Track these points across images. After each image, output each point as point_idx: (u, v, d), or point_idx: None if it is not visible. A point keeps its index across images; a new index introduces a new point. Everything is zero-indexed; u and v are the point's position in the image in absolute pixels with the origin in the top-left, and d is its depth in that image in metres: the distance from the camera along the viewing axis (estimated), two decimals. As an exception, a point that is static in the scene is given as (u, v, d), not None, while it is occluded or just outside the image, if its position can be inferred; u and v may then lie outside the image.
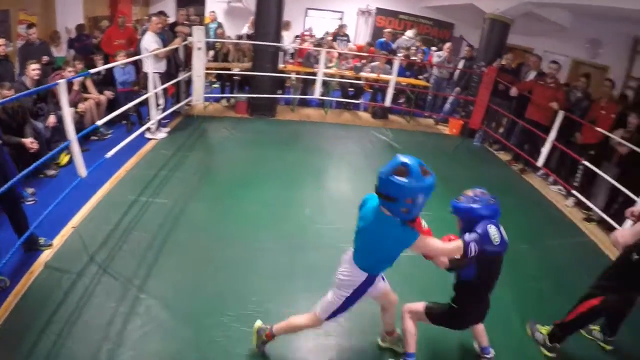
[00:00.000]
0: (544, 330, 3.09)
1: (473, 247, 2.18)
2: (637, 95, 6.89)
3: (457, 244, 2.18)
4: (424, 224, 2.20)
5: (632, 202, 4.64)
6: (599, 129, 5.50)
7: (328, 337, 2.84)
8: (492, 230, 2.26)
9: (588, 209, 5.62)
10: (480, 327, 2.77)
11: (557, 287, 4.03)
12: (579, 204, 5.83)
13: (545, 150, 6.30)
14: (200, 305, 2.93)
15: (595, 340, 3.27)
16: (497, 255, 2.33)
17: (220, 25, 9.24)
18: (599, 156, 5.65)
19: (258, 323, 2.59)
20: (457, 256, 2.20)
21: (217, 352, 2.60)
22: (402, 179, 1.92)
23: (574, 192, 5.78)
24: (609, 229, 5.13)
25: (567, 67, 8.67)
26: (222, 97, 8.00)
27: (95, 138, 5.41)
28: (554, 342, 3.01)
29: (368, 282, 2.32)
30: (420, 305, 2.62)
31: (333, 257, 3.55)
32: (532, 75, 7.20)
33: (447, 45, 9.05)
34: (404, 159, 1.97)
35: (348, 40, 10.56)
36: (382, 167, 2.00)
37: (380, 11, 12.20)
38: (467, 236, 2.22)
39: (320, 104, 8.61)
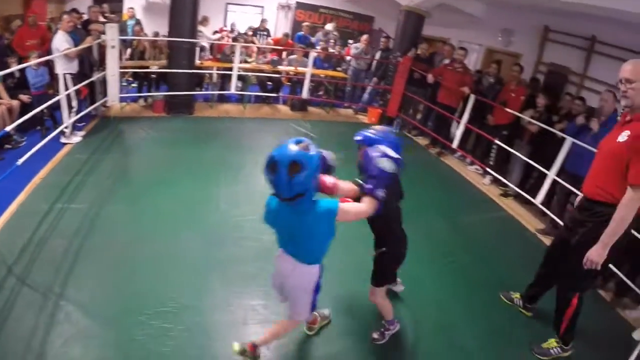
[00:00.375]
0: (552, 344, 3.21)
1: (380, 193, 2.21)
2: (547, 78, 7.49)
3: (368, 202, 2.22)
4: (327, 179, 2.23)
5: (544, 176, 5.18)
6: (509, 110, 6.01)
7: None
8: (383, 148, 2.28)
9: (504, 185, 6.16)
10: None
11: (478, 259, 4.40)
12: (495, 181, 6.39)
13: (458, 133, 6.80)
14: (119, 306, 3.00)
15: (517, 307, 3.64)
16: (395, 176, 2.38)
17: (138, 22, 9.05)
18: (512, 136, 6.17)
19: (235, 346, 2.50)
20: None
21: (137, 350, 2.69)
22: (302, 173, 1.95)
23: (490, 170, 6.32)
24: (525, 202, 5.72)
25: (481, 56, 9.31)
26: (140, 97, 7.82)
27: (9, 146, 5.22)
28: (569, 343, 3.17)
29: (322, 270, 2.42)
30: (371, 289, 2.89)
31: (250, 248, 3.82)
32: (446, 63, 7.64)
33: (364, 37, 9.39)
34: (286, 154, 1.99)
35: (268, 35, 10.69)
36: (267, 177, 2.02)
37: (300, 5, 12.33)
38: (370, 185, 2.22)
39: (240, 99, 8.65)
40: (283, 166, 1.95)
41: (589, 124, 4.67)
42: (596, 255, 2.70)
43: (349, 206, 2.24)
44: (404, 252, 2.88)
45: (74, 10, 6.74)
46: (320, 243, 2.29)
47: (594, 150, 4.29)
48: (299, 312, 2.53)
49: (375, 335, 3.07)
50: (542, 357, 3.19)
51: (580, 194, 3.13)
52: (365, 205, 2.23)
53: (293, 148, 2.01)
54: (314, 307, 2.53)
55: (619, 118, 3.96)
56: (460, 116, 6.96)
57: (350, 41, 10.91)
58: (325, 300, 2.95)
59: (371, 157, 2.24)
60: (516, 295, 3.69)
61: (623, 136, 2.67)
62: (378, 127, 2.60)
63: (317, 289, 2.46)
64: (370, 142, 2.44)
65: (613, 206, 2.66)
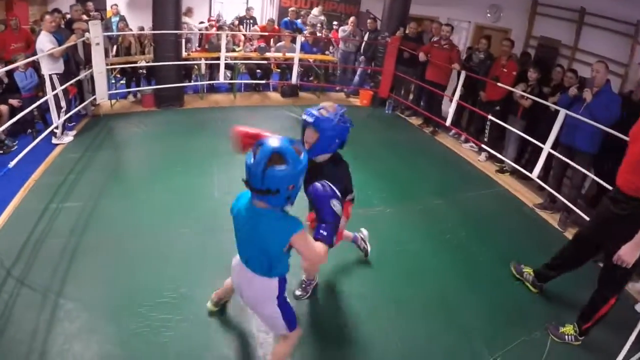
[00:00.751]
0: (569, 330, 3.19)
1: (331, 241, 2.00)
2: (538, 52, 7.46)
3: (324, 249, 1.97)
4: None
5: (540, 150, 5.18)
6: (501, 85, 5.99)
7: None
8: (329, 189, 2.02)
9: (500, 161, 6.18)
10: None
11: (476, 235, 4.42)
12: (491, 157, 6.40)
13: (451, 110, 6.80)
14: (118, 301, 3.02)
15: (524, 282, 3.64)
16: None
17: (122, 19, 9.01)
18: (505, 111, 6.15)
19: None
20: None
21: (138, 342, 2.72)
22: (281, 168, 1.78)
23: (485, 147, 6.34)
24: (522, 177, 5.76)
25: (471, 33, 9.28)
26: (129, 93, 7.81)
27: (1, 152, 5.20)
28: (584, 335, 3.14)
29: (283, 282, 2.19)
30: None
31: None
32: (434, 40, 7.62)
33: (352, 19, 9.37)
34: (273, 144, 1.82)
35: (255, 23, 10.61)
36: (299, 137, 2.03)
37: (285, -9, 12.15)
38: (324, 232, 1.97)
39: (230, 89, 8.63)
40: (265, 153, 1.80)
41: (582, 95, 4.61)
42: (629, 254, 2.59)
43: (312, 243, 1.97)
44: None
45: (56, 10, 6.68)
46: (274, 259, 2.05)
47: (589, 122, 4.33)
48: (276, 326, 2.29)
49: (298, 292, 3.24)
50: (555, 338, 3.20)
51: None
52: (323, 253, 1.97)
53: (284, 144, 1.84)
54: (291, 320, 2.27)
55: None
56: (453, 93, 6.94)
57: (335, 23, 10.85)
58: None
59: (324, 197, 2.00)
60: (527, 270, 3.66)
61: None
62: (327, 104, 2.46)
63: (283, 305, 2.22)
64: (319, 124, 2.35)
65: None
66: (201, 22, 9.67)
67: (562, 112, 4.88)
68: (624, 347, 2.75)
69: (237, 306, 3.03)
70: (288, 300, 2.27)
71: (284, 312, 2.22)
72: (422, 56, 7.33)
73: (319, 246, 1.96)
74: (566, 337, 3.19)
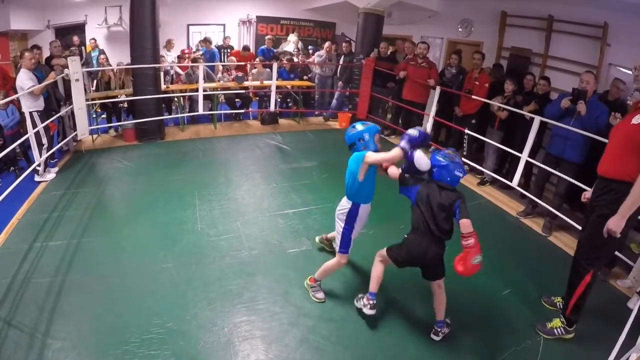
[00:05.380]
0: (556, 324, 3.37)
1: (405, 144, 3.04)
2: (510, 62, 7.69)
3: (396, 150, 3.05)
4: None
5: (518, 159, 5.33)
6: (475, 97, 6.16)
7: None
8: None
9: (481, 173, 6.34)
10: (438, 296, 3.23)
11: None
12: (471, 170, 6.53)
13: (429, 127, 6.94)
14: (105, 338, 3.05)
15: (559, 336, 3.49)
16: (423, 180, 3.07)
17: (102, 52, 9.11)
18: (482, 124, 6.30)
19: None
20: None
21: None
22: (352, 131, 3.24)
23: (465, 160, 6.41)
24: (503, 187, 5.93)
25: (444, 49, 9.56)
26: (110, 127, 7.81)
27: None
28: (573, 325, 3.34)
29: (354, 209, 3.27)
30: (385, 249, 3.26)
31: (229, 266, 3.94)
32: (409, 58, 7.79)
33: (327, 44, 9.65)
34: (356, 125, 3.28)
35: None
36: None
37: (261, 19, 12.37)
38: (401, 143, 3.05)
39: (210, 119, 8.72)
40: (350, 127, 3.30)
41: (577, 108, 4.60)
42: (615, 224, 2.89)
43: (375, 153, 3.14)
44: (411, 251, 3.12)
45: (35, 46, 6.73)
46: (355, 185, 3.20)
47: (583, 132, 4.44)
48: (337, 242, 3.40)
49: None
50: (545, 336, 3.37)
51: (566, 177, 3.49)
52: (390, 154, 3.07)
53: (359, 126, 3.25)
54: (345, 247, 3.35)
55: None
56: (429, 110, 7.11)
57: (311, 48, 11.09)
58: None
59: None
60: (558, 299, 3.73)
61: (637, 119, 2.95)
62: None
63: (347, 228, 3.31)
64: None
65: (628, 184, 2.89)
66: (178, 56, 9.80)
67: (537, 120, 5.04)
68: (616, 343, 2.86)
69: (220, 343, 3.10)
70: (353, 233, 3.35)
71: (343, 236, 3.34)
72: (402, 74, 7.49)
73: (392, 150, 3.10)
74: (555, 330, 3.36)
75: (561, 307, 3.62)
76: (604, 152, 3.25)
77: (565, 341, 3.34)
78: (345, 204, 3.32)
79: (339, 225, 3.36)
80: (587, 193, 3.45)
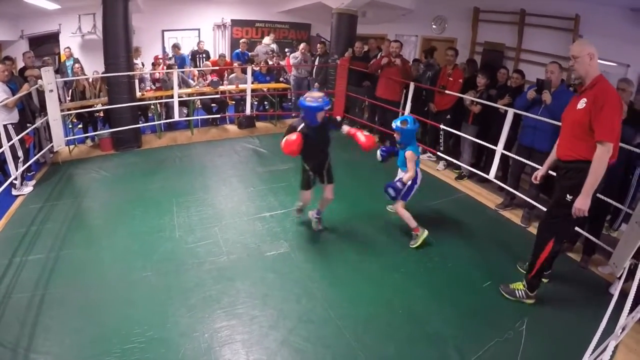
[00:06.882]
0: (518, 285, 3.68)
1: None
2: (484, 57, 7.86)
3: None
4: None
5: (494, 153, 5.47)
6: (449, 92, 6.26)
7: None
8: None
9: (459, 167, 6.47)
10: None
11: (442, 241, 4.63)
12: (449, 165, 6.71)
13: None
14: (87, 350, 3.07)
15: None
16: None
17: (77, 61, 9.04)
18: (457, 119, 6.40)
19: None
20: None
21: None
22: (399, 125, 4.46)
23: (442, 155, 6.62)
24: (481, 180, 6.09)
25: (419, 46, 9.72)
26: (86, 137, 7.76)
27: None
28: (534, 290, 3.66)
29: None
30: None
31: (208, 272, 3.99)
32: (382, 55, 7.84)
33: (302, 46, 9.69)
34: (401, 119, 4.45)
35: (208, 57, 10.79)
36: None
37: (236, 22, 12.40)
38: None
39: (187, 125, 8.72)
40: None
41: (541, 97, 4.74)
42: (582, 203, 3.14)
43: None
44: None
45: (7, 58, 6.67)
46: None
47: (551, 121, 4.55)
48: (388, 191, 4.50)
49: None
50: (507, 295, 3.73)
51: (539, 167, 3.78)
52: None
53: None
54: (396, 192, 4.45)
55: (571, 89, 4.53)
56: (403, 108, 7.20)
57: (287, 50, 11.15)
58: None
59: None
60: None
61: (582, 104, 3.18)
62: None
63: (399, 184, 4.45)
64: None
65: (585, 162, 3.13)
66: (152, 62, 9.80)
67: (511, 112, 5.16)
68: (598, 328, 2.99)
69: (200, 349, 3.17)
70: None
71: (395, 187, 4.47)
72: (384, 60, 7.42)
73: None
74: (517, 292, 3.68)
75: (523, 295, 3.77)
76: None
77: (547, 330, 3.46)
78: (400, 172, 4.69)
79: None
80: (539, 172, 3.82)
